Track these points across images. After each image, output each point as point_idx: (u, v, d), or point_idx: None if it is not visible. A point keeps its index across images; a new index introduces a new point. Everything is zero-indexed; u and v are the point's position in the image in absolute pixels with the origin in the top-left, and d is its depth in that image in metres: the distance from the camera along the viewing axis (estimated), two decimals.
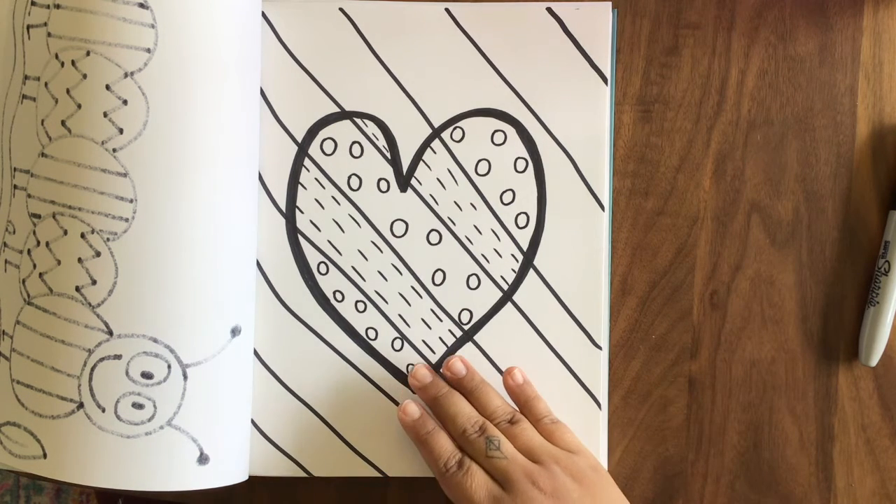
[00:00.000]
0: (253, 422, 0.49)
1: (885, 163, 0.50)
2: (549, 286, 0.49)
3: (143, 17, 0.42)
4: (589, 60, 0.49)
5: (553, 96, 0.49)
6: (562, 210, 0.49)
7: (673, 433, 0.50)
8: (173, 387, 0.43)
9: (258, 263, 0.49)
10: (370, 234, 0.49)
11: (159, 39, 0.42)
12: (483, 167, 0.49)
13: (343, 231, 0.49)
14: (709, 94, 0.50)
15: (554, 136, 0.49)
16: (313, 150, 0.49)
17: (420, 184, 0.49)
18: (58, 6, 0.42)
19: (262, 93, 0.49)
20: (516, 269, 0.49)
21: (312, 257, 0.49)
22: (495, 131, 0.49)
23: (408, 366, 0.49)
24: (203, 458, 0.44)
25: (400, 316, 0.49)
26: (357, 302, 0.49)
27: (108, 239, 0.43)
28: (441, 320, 0.49)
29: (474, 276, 0.49)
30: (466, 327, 0.49)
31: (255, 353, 0.49)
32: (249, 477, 0.48)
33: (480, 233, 0.49)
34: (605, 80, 0.49)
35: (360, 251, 0.49)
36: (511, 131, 0.49)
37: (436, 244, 0.49)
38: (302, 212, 0.49)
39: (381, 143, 0.49)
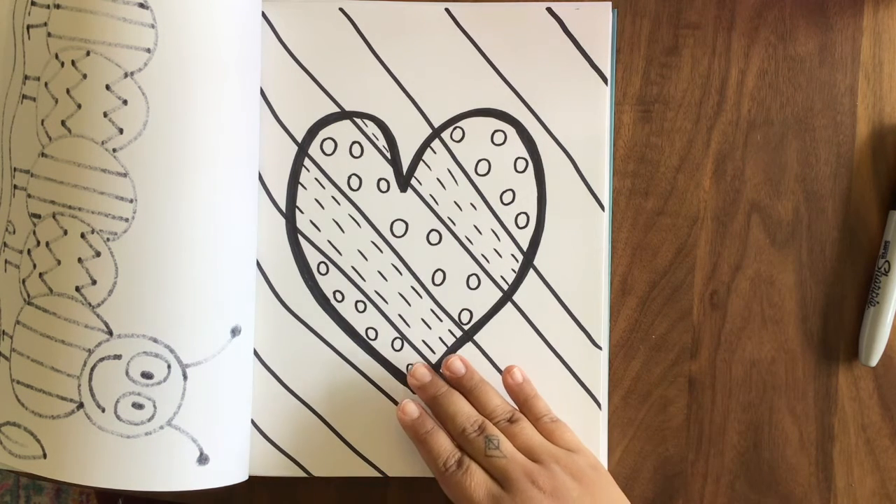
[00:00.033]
0: (253, 422, 0.49)
1: (885, 163, 0.50)
2: (549, 286, 0.49)
3: (143, 17, 0.42)
4: (589, 60, 0.49)
5: (553, 96, 0.49)
6: (562, 210, 0.49)
7: (673, 433, 0.50)
8: (173, 387, 0.43)
9: (258, 263, 0.49)
10: (370, 234, 0.49)
11: (159, 39, 0.42)
12: (483, 167, 0.49)
13: (343, 231, 0.49)
14: (709, 94, 0.50)
15: (554, 136, 0.49)
16: (313, 150, 0.49)
17: (420, 184, 0.49)
18: (58, 6, 0.42)
19: (262, 93, 0.49)
20: (516, 269, 0.49)
21: (312, 257, 0.49)
22: (495, 131, 0.49)
23: (408, 366, 0.49)
24: (203, 458, 0.44)
25: (400, 316, 0.49)
26: (357, 302, 0.49)
27: (108, 239, 0.43)
28: (441, 320, 0.49)
29: (474, 276, 0.49)
30: (466, 327, 0.49)
31: (255, 353, 0.49)
32: (249, 477, 0.48)
33: (480, 233, 0.49)
34: (605, 80, 0.49)
35: (360, 251, 0.49)
36: (511, 131, 0.49)
37: (436, 244, 0.49)
38: (302, 212, 0.49)
39: (381, 143, 0.49)
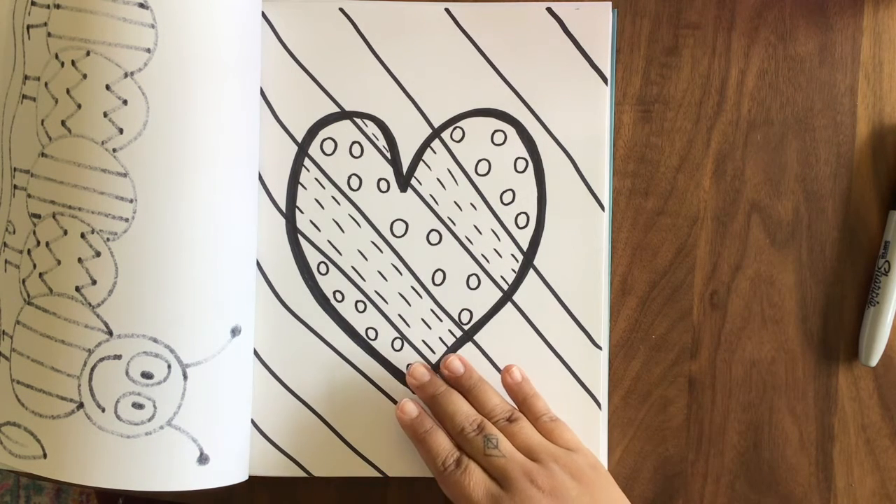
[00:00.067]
0: (253, 422, 0.49)
1: (885, 163, 0.50)
2: (549, 286, 0.49)
3: (143, 17, 0.42)
4: (589, 60, 0.49)
5: (553, 96, 0.49)
6: (562, 210, 0.49)
7: (673, 433, 0.50)
8: (173, 387, 0.43)
9: (258, 263, 0.49)
10: (370, 234, 0.49)
11: (159, 39, 0.42)
12: (483, 167, 0.49)
13: (343, 231, 0.49)
14: (709, 94, 0.50)
15: (554, 136, 0.49)
16: (313, 150, 0.49)
17: (420, 184, 0.49)
18: (58, 6, 0.42)
19: (262, 93, 0.49)
20: (516, 269, 0.49)
21: (312, 257, 0.49)
22: (495, 131, 0.49)
23: (408, 366, 0.49)
24: (203, 458, 0.44)
25: (400, 316, 0.49)
26: (357, 302, 0.49)
27: (108, 239, 0.43)
28: (441, 320, 0.49)
29: (474, 276, 0.49)
30: (466, 327, 0.49)
31: (255, 352, 0.49)
32: (249, 477, 0.48)
33: (480, 233, 0.49)
34: (605, 80, 0.49)
35: (360, 251, 0.49)
36: (511, 131, 0.49)
37: (436, 244, 0.49)
38: (302, 212, 0.49)
39: (381, 143, 0.49)
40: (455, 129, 0.49)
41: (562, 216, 0.49)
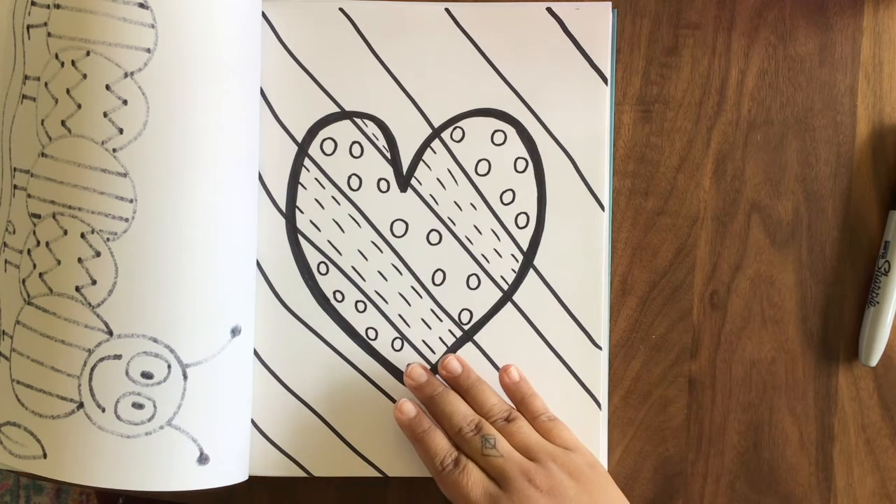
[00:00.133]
0: (253, 422, 0.49)
1: (885, 163, 0.50)
2: (549, 286, 0.49)
3: (143, 17, 0.42)
4: (589, 60, 0.49)
5: (553, 96, 0.49)
6: (562, 210, 0.49)
7: (673, 433, 0.50)
8: (173, 387, 0.43)
9: (258, 263, 0.49)
10: (370, 234, 0.49)
11: (159, 39, 0.42)
12: (483, 167, 0.49)
13: (343, 231, 0.49)
14: (709, 94, 0.50)
15: (554, 136, 0.49)
16: (313, 150, 0.49)
17: (420, 184, 0.49)
18: (58, 6, 0.42)
19: (262, 93, 0.49)
20: (516, 269, 0.49)
21: (312, 257, 0.49)
22: (495, 131, 0.49)
23: (407, 365, 0.49)
24: (203, 458, 0.44)
25: (400, 316, 0.49)
26: (357, 302, 0.49)
27: (108, 239, 0.43)
28: (441, 320, 0.49)
29: (474, 276, 0.49)
30: (466, 327, 0.49)
31: (255, 352, 0.49)
32: (249, 477, 0.48)
33: (480, 233, 0.49)
34: (605, 80, 0.49)
35: (360, 251, 0.49)
36: (511, 131, 0.49)
37: (436, 244, 0.49)
38: (302, 212, 0.49)
39: (381, 143, 0.49)
40: (455, 129, 0.49)
41: (562, 216, 0.49)
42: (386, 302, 0.49)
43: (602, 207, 0.49)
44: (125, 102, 0.42)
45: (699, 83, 0.50)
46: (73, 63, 0.42)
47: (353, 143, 0.49)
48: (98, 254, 0.43)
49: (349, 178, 0.49)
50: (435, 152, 0.49)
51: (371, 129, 0.49)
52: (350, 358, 0.49)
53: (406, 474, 0.49)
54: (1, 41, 0.47)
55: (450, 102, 0.49)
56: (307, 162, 0.49)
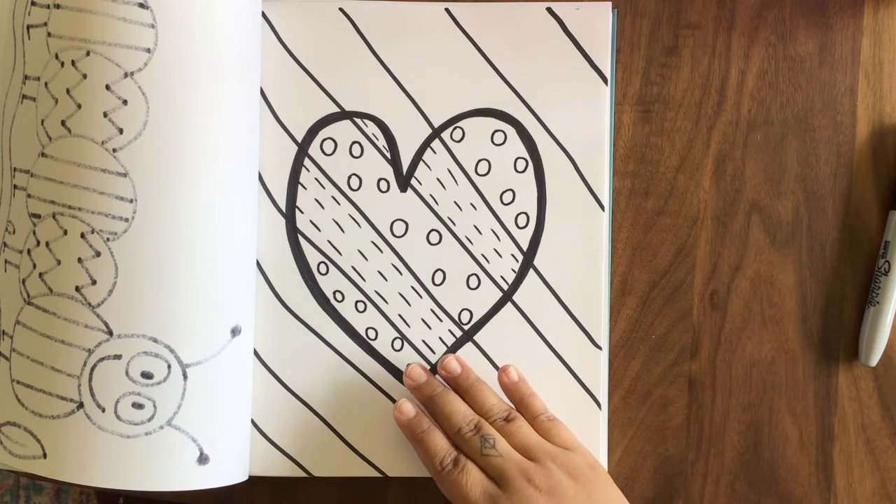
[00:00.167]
0: (253, 422, 0.49)
1: (885, 163, 0.50)
2: (549, 286, 0.49)
3: (143, 17, 0.42)
4: (589, 60, 0.49)
5: (553, 96, 0.49)
6: (562, 210, 0.49)
7: (673, 433, 0.50)
8: (173, 387, 0.43)
9: (258, 263, 0.49)
10: (370, 234, 0.49)
11: (159, 39, 0.42)
12: (483, 167, 0.49)
13: (343, 231, 0.49)
14: (709, 94, 0.50)
15: (554, 136, 0.49)
16: (313, 150, 0.49)
17: (420, 184, 0.49)
18: (58, 6, 0.42)
19: (262, 93, 0.49)
20: (516, 269, 0.49)
21: (312, 257, 0.49)
22: (495, 131, 0.49)
23: (407, 365, 0.49)
24: (203, 458, 0.44)
25: (400, 316, 0.49)
26: (357, 302, 0.49)
27: (108, 239, 0.43)
28: (441, 320, 0.49)
29: (474, 276, 0.49)
30: (466, 327, 0.49)
31: (255, 353, 0.49)
32: (249, 477, 0.48)
33: (480, 233, 0.49)
34: (605, 80, 0.49)
35: (360, 251, 0.49)
36: (511, 131, 0.49)
37: (436, 244, 0.49)
38: (302, 212, 0.49)
39: (381, 143, 0.49)
40: (455, 129, 0.49)
41: (562, 216, 0.49)
42: (386, 302, 0.49)
43: (602, 207, 0.49)
44: (125, 102, 0.42)
45: (699, 83, 0.50)
46: (73, 63, 0.42)
47: (353, 143, 0.49)
48: (98, 254, 0.43)
49: (349, 178, 0.49)
50: (435, 152, 0.49)
51: (371, 129, 0.49)
52: (350, 358, 0.49)
53: (406, 474, 0.49)
54: (1, 41, 0.47)
55: (450, 102, 0.49)
56: (307, 162, 0.49)
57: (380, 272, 0.49)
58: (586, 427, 0.49)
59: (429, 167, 0.49)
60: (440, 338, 0.49)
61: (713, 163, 0.50)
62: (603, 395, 0.49)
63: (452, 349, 0.49)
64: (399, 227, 0.49)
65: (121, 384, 0.43)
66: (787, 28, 0.50)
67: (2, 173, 0.46)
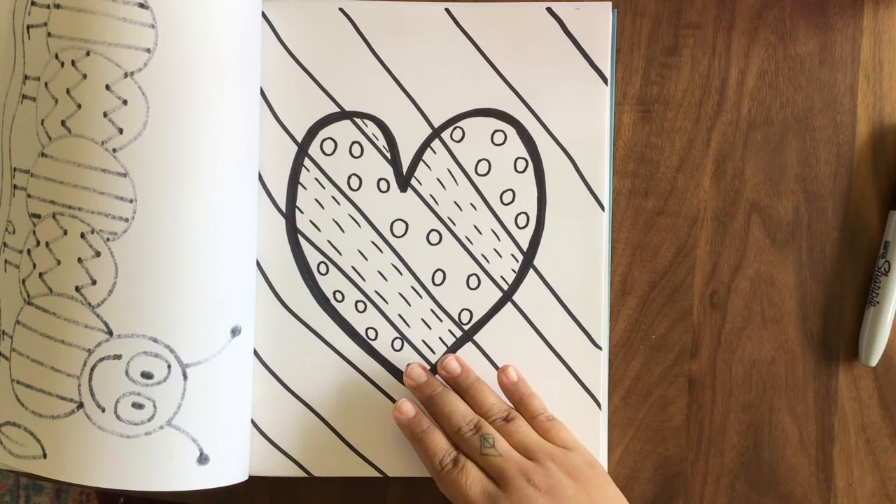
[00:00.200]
0: (253, 422, 0.49)
1: (885, 163, 0.50)
2: (549, 286, 0.49)
3: (143, 17, 0.42)
4: (589, 60, 0.49)
5: (553, 96, 0.49)
6: (562, 210, 0.49)
7: (673, 433, 0.50)
8: (173, 387, 0.43)
9: (258, 263, 0.49)
10: (370, 234, 0.49)
11: (159, 39, 0.42)
12: (483, 167, 0.49)
13: (343, 231, 0.49)
14: (709, 94, 0.50)
15: (554, 136, 0.49)
16: (313, 150, 0.49)
17: (420, 184, 0.49)
18: (58, 6, 0.42)
19: (262, 93, 0.49)
20: (516, 269, 0.49)
21: (312, 257, 0.49)
22: (495, 131, 0.49)
23: (407, 366, 0.49)
24: (203, 458, 0.44)
25: (400, 316, 0.49)
26: (357, 302, 0.49)
27: (108, 239, 0.43)
28: (441, 320, 0.49)
29: (474, 276, 0.49)
30: (466, 327, 0.49)
31: (255, 353, 0.49)
32: (249, 477, 0.48)
33: (480, 233, 0.49)
34: (605, 80, 0.49)
35: (360, 251, 0.49)
36: (511, 131, 0.49)
37: (436, 244, 0.49)
38: (302, 212, 0.49)
39: (381, 143, 0.49)
40: (455, 129, 0.49)
41: (562, 216, 0.49)
42: (386, 302, 0.49)
43: (602, 207, 0.49)
44: (125, 102, 0.42)
45: (699, 83, 0.50)
46: (73, 63, 0.42)
47: (353, 143, 0.49)
48: (98, 254, 0.43)
49: (349, 178, 0.49)
50: (435, 152, 0.49)
51: (371, 129, 0.49)
52: (350, 358, 0.49)
53: (406, 474, 0.49)
54: (1, 41, 0.47)
55: (450, 102, 0.49)
56: (307, 162, 0.49)
57: (380, 272, 0.49)
58: (586, 427, 0.49)
59: (429, 167, 0.49)
60: (440, 338, 0.49)
61: (713, 163, 0.50)
62: (603, 395, 0.49)
63: (452, 349, 0.49)
64: (399, 227, 0.49)
65: (121, 384, 0.43)
66: (787, 28, 0.50)
67: (2, 173, 0.46)
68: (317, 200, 0.49)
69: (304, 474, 0.49)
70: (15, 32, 0.45)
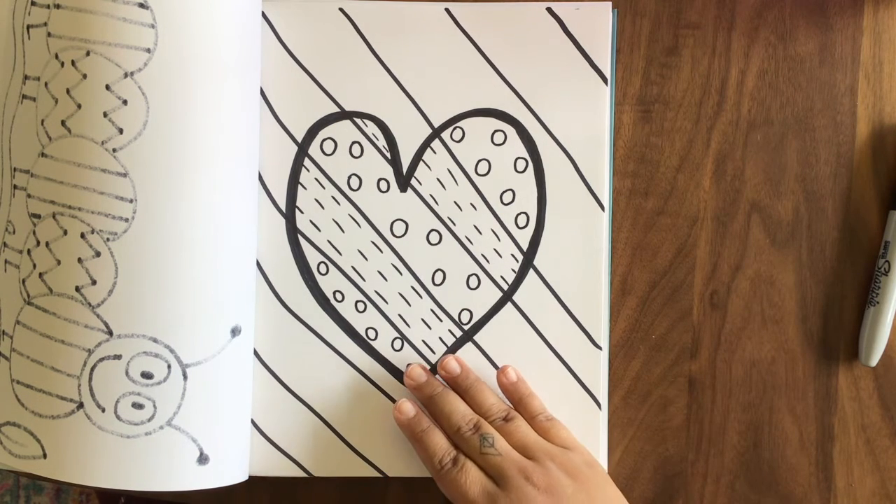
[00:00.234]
0: (253, 422, 0.49)
1: (885, 163, 0.50)
2: (549, 286, 0.49)
3: (143, 17, 0.42)
4: (589, 60, 0.49)
5: (553, 96, 0.49)
6: (562, 210, 0.49)
7: (673, 433, 0.50)
8: (173, 387, 0.43)
9: (258, 263, 0.49)
10: (370, 234, 0.49)
11: (159, 39, 0.42)
12: (483, 167, 0.49)
13: (343, 231, 0.49)
14: (709, 94, 0.50)
15: (554, 136, 0.49)
16: (313, 150, 0.49)
17: (420, 184, 0.49)
18: (58, 6, 0.42)
19: (262, 93, 0.49)
20: (516, 269, 0.49)
21: (312, 257, 0.49)
22: (495, 131, 0.49)
23: (407, 365, 0.49)
24: (203, 458, 0.44)
25: (400, 316, 0.49)
26: (357, 302, 0.49)
27: (108, 239, 0.43)
28: (441, 320, 0.49)
29: (474, 276, 0.49)
30: (466, 327, 0.49)
31: (255, 353, 0.49)
32: (249, 477, 0.48)
33: (480, 233, 0.49)
34: (605, 80, 0.49)
35: (360, 251, 0.49)
36: (511, 131, 0.49)
37: (436, 244, 0.49)
38: (302, 212, 0.49)
39: (381, 143, 0.49)
40: (455, 129, 0.49)
41: (562, 216, 0.49)
42: (386, 302, 0.49)
43: (602, 207, 0.49)
44: (125, 102, 0.42)
45: (699, 83, 0.50)
46: (73, 63, 0.42)
47: (353, 143, 0.49)
48: (98, 254, 0.43)
49: (349, 178, 0.49)
50: (435, 152, 0.49)
51: (371, 129, 0.49)
52: (350, 358, 0.49)
53: (406, 474, 0.49)
54: (1, 41, 0.47)
55: (450, 102, 0.49)
56: (307, 162, 0.49)
57: (380, 272, 0.49)
58: (586, 427, 0.49)
59: (429, 167, 0.49)
60: (440, 338, 0.49)
61: (713, 163, 0.50)
62: (603, 395, 0.49)
63: (452, 349, 0.49)
64: (399, 227, 0.49)
65: (121, 384, 0.43)
66: (787, 28, 0.50)
67: (2, 173, 0.46)
68: (317, 200, 0.49)
69: (304, 474, 0.49)
70: (15, 32, 0.45)
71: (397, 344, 0.49)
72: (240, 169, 0.46)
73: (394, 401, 0.49)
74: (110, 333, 0.43)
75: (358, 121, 0.49)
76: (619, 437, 0.50)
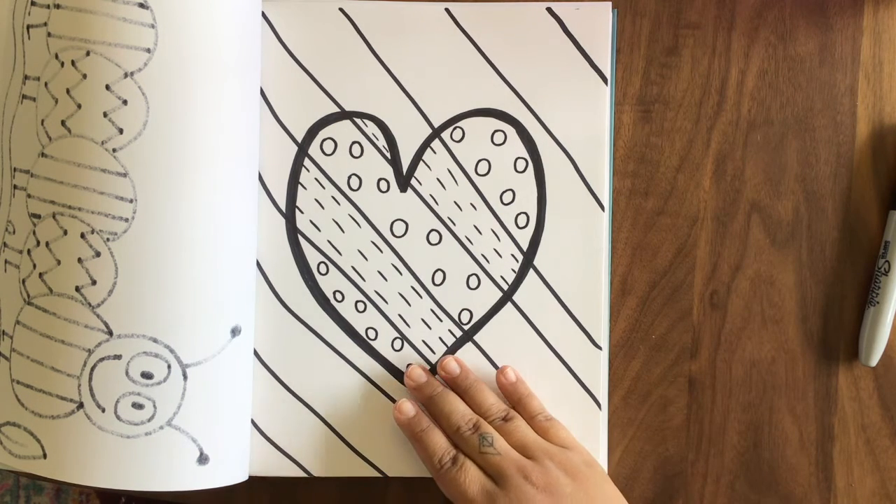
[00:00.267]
0: (253, 422, 0.49)
1: (885, 163, 0.50)
2: (549, 286, 0.49)
3: (143, 17, 0.42)
4: (589, 60, 0.49)
5: (553, 96, 0.49)
6: (562, 210, 0.49)
7: (673, 433, 0.50)
8: (173, 387, 0.43)
9: (258, 263, 0.49)
10: (370, 234, 0.49)
11: (159, 39, 0.42)
12: (483, 167, 0.49)
13: (343, 231, 0.49)
14: (709, 94, 0.50)
15: (554, 136, 0.49)
16: (313, 150, 0.49)
17: (420, 184, 0.49)
18: (58, 6, 0.42)
19: (262, 93, 0.49)
20: (516, 269, 0.49)
21: (312, 257, 0.49)
22: (495, 131, 0.49)
23: (407, 366, 0.49)
24: (203, 458, 0.44)
25: (400, 316, 0.49)
26: (357, 302, 0.49)
27: (108, 239, 0.43)
28: (441, 320, 0.49)
29: (474, 276, 0.49)
30: (466, 327, 0.49)
31: (255, 353, 0.49)
32: (249, 477, 0.48)
33: (480, 233, 0.49)
34: (605, 80, 0.49)
35: (360, 251, 0.49)
36: (511, 131, 0.49)
37: (436, 244, 0.49)
38: (302, 212, 0.49)
39: (381, 143, 0.49)
40: (455, 129, 0.49)
41: (562, 216, 0.49)
42: (386, 302, 0.49)
43: (602, 207, 0.49)
44: (125, 102, 0.42)
45: (699, 83, 0.50)
46: (73, 63, 0.42)
47: (353, 143, 0.49)
48: (98, 254, 0.43)
49: (349, 178, 0.49)
50: (435, 152, 0.49)
51: (371, 129, 0.49)
52: (350, 358, 0.49)
53: (406, 474, 0.49)
54: (1, 41, 0.47)
55: (450, 102, 0.49)
56: (307, 162, 0.49)
57: (380, 272, 0.49)
58: (586, 427, 0.49)
59: (429, 167, 0.49)
60: (440, 338, 0.49)
61: (713, 163, 0.50)
62: (603, 395, 0.49)
63: (452, 349, 0.49)
64: (399, 227, 0.49)
65: (121, 384, 0.43)
66: (787, 28, 0.50)
67: (2, 173, 0.46)
68: (317, 200, 0.49)
69: (304, 474, 0.49)
70: (15, 32, 0.45)
71: (397, 344, 0.49)
72: (240, 169, 0.46)
73: (394, 401, 0.49)
74: (110, 333, 0.43)
75: (358, 121, 0.49)
76: (619, 437, 0.50)
